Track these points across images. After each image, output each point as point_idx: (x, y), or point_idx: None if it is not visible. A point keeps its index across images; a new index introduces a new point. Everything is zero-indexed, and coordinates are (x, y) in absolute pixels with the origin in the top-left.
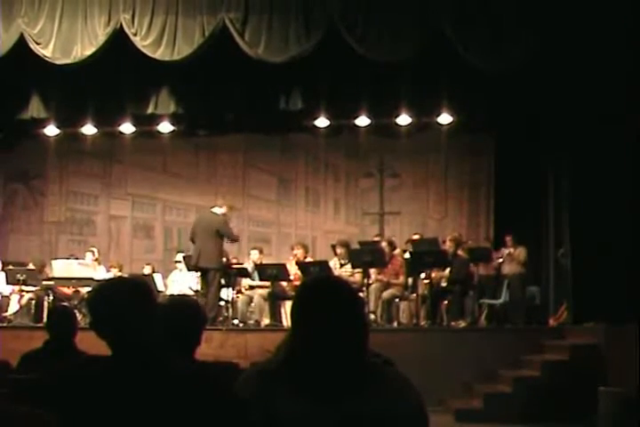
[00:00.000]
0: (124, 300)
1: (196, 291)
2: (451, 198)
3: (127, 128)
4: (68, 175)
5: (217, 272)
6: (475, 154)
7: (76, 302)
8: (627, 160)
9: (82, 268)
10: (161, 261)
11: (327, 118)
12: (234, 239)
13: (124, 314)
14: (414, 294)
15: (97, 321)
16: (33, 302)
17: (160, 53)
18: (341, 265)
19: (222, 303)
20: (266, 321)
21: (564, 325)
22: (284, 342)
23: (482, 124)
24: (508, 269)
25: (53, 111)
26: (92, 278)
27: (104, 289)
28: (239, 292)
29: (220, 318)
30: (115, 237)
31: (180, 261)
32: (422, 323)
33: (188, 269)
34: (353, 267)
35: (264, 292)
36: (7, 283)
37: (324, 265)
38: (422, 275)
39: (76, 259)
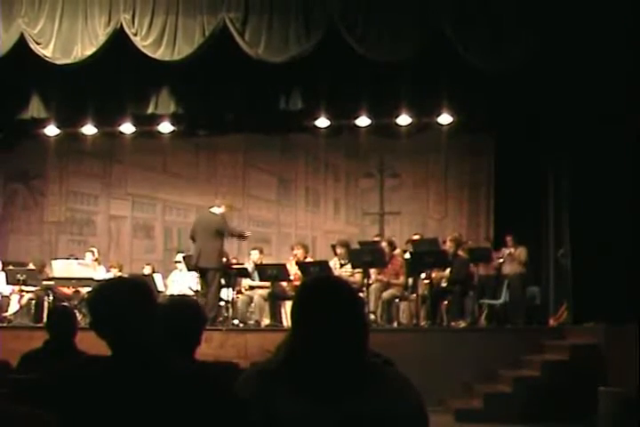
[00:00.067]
0: (124, 300)
1: (196, 291)
2: (451, 198)
3: (127, 128)
4: (68, 175)
5: (216, 272)
6: (475, 154)
7: (75, 302)
8: (627, 160)
9: (82, 268)
10: (161, 261)
11: (327, 118)
12: (238, 235)
13: (124, 314)
14: (414, 295)
15: (97, 321)
16: (33, 302)
17: (160, 53)
18: (341, 265)
19: (222, 303)
20: (266, 321)
21: (564, 325)
22: (284, 342)
23: (482, 124)
24: (508, 269)
25: (53, 111)
26: (91, 279)
27: (104, 289)
28: (239, 292)
29: (220, 319)
30: (115, 238)
31: (179, 262)
32: (422, 323)
33: (188, 270)
34: (353, 267)
35: (264, 292)
36: (7, 283)
37: (324, 265)
38: (422, 275)
39: (76, 259)
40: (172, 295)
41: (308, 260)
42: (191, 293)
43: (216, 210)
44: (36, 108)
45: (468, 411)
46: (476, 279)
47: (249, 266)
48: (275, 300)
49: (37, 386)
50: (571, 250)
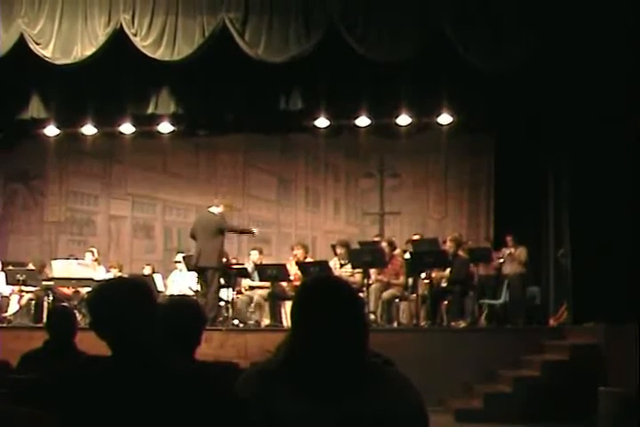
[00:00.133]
0: (124, 300)
1: (196, 291)
2: (451, 198)
3: (127, 128)
4: (68, 175)
5: (215, 272)
6: (475, 154)
7: (75, 303)
8: (627, 160)
9: (82, 268)
10: (161, 261)
11: (327, 118)
12: (241, 231)
13: (123, 314)
14: (414, 295)
15: (97, 321)
16: (33, 302)
17: (160, 54)
18: (341, 265)
19: (222, 304)
20: (266, 321)
21: (564, 325)
22: (283, 342)
23: (482, 124)
24: (508, 269)
25: (53, 111)
26: (91, 279)
27: (104, 289)
28: (239, 292)
29: (220, 319)
30: (115, 238)
31: (179, 262)
32: (422, 323)
33: (188, 270)
34: (353, 267)
35: (264, 292)
36: (7, 283)
37: (323, 265)
38: (422, 275)
39: (76, 259)
40: (171, 295)
41: (308, 260)
42: (191, 293)
43: (215, 209)
44: (35, 109)
45: (468, 411)
46: (476, 279)
47: (249, 266)
48: (275, 300)
49: (37, 386)
50: (571, 250)
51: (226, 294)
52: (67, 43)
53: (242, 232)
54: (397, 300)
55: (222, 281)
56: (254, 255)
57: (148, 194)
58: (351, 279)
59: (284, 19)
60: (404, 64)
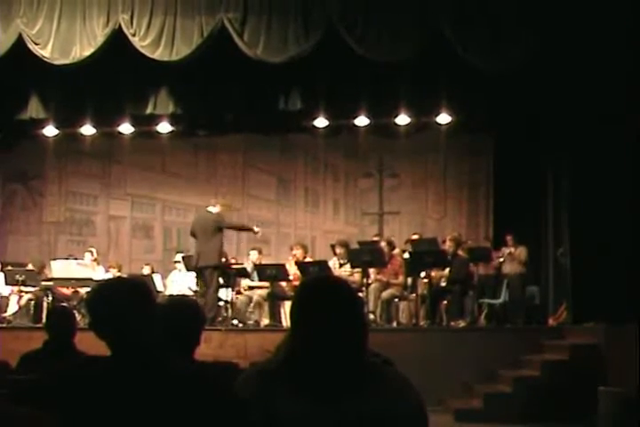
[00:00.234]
0: (124, 300)
1: (195, 291)
2: (450, 198)
3: (126, 128)
4: (67, 175)
5: (214, 271)
6: (474, 154)
7: (75, 303)
8: (627, 160)
9: (81, 268)
10: (160, 261)
11: (326, 118)
12: (241, 227)
13: (123, 314)
14: (414, 294)
15: (96, 322)
16: (32, 302)
17: (159, 54)
18: (341, 265)
19: (221, 304)
20: (265, 321)
21: (564, 324)
22: (283, 342)
23: (481, 124)
24: (508, 268)
25: (52, 112)
26: (91, 279)
27: (103, 289)
28: (238, 292)
29: (220, 319)
30: (114, 238)
31: (179, 262)
32: (422, 323)
33: (188, 270)
34: (352, 267)
35: (263, 292)
36: (6, 283)
37: (323, 265)
38: (422, 275)
39: (75, 259)
40: (171, 295)
41: (308, 260)
42: (190, 293)
43: (212, 209)
44: (34, 109)
45: (468, 411)
46: (475, 279)
47: (248, 266)
48: (274, 300)
49: (37, 387)
50: (570, 250)
51: (225, 294)
52: (65, 43)
53: (241, 229)
54: (397, 299)
55: (221, 281)
56: (253, 255)
57: (147, 194)
58: (350, 279)
59: (283, 19)
60: (404, 64)
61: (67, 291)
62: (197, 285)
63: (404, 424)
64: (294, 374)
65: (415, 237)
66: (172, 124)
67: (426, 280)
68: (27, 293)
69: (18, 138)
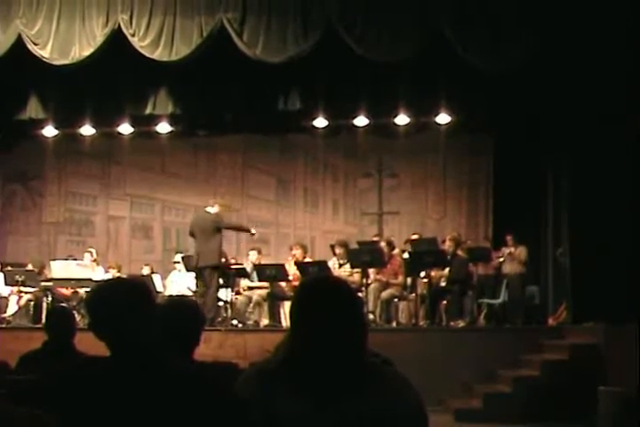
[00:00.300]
0: (123, 300)
1: (195, 291)
2: (449, 198)
3: (125, 129)
4: (67, 176)
5: (214, 271)
6: (474, 154)
7: (74, 303)
8: (627, 160)
9: (80, 269)
10: (160, 261)
11: (326, 119)
12: (239, 227)
13: (122, 315)
14: (413, 294)
15: (95, 322)
16: (32, 302)
17: (158, 54)
18: (340, 265)
19: (221, 304)
20: (265, 321)
21: (564, 324)
22: (283, 343)
23: (481, 124)
24: (508, 268)
25: (52, 112)
26: (90, 279)
27: (102, 290)
28: (238, 292)
29: (219, 319)
30: (113, 238)
31: (178, 262)
32: (421, 323)
33: (188, 270)
34: (352, 267)
35: (263, 292)
36: (6, 284)
37: (322, 265)
38: (421, 275)
39: (75, 260)
40: (170, 296)
41: (307, 260)
42: (190, 293)
43: (210, 209)
44: (34, 109)
45: (468, 411)
46: (475, 279)
47: (247, 266)
48: (273, 300)
49: (37, 387)
50: (570, 250)
51: (225, 294)
52: (65, 43)
53: (239, 229)
54: (396, 300)
55: (221, 281)
56: (253, 255)
57: (146, 194)
58: (350, 279)
59: (283, 19)
60: (403, 64)
61: (66, 291)
62: (197, 285)
63: (403, 424)
64: (294, 374)
65: (415, 237)
66: (171, 125)
67: (425, 280)
68: (26, 293)
69: (17, 138)
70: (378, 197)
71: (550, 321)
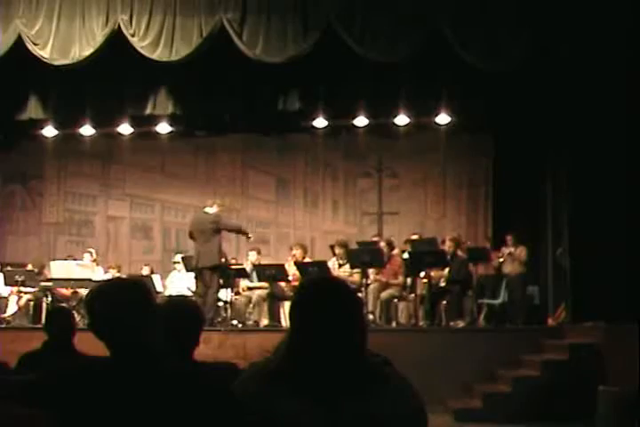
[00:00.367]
0: (123, 300)
1: (195, 291)
2: (449, 198)
3: (125, 129)
4: (67, 176)
5: (214, 272)
6: (473, 154)
7: (74, 303)
8: (626, 160)
9: (80, 269)
10: (159, 261)
11: (325, 119)
12: (237, 229)
13: (122, 315)
14: (413, 294)
15: (95, 322)
16: (31, 303)
17: (158, 54)
18: (340, 265)
19: (221, 304)
20: (265, 322)
21: (564, 324)
22: (282, 343)
23: (480, 123)
24: (508, 268)
25: (51, 112)
26: (90, 279)
27: (102, 290)
28: (238, 293)
29: (219, 319)
30: (113, 238)
31: (178, 262)
32: (421, 323)
33: (188, 270)
34: (351, 267)
35: (263, 292)
36: (6, 284)
37: (322, 265)
38: (421, 275)
39: (75, 260)
40: (170, 296)
41: (307, 260)
42: (190, 293)
43: (209, 210)
44: (33, 109)
45: (468, 411)
46: (475, 279)
47: (247, 266)
48: (273, 300)
49: (37, 387)
50: (570, 249)
51: (224, 294)
52: (65, 43)
53: (237, 232)
54: (396, 300)
55: (221, 281)
56: (253, 256)
57: (146, 194)
58: (350, 279)
59: (282, 19)
60: (403, 64)
61: (66, 291)
62: (196, 285)
63: (403, 425)
64: (294, 374)
65: (414, 237)
66: (171, 125)
67: (425, 280)
68: (26, 293)
69: (17, 138)
70: (378, 197)
71: (550, 321)
